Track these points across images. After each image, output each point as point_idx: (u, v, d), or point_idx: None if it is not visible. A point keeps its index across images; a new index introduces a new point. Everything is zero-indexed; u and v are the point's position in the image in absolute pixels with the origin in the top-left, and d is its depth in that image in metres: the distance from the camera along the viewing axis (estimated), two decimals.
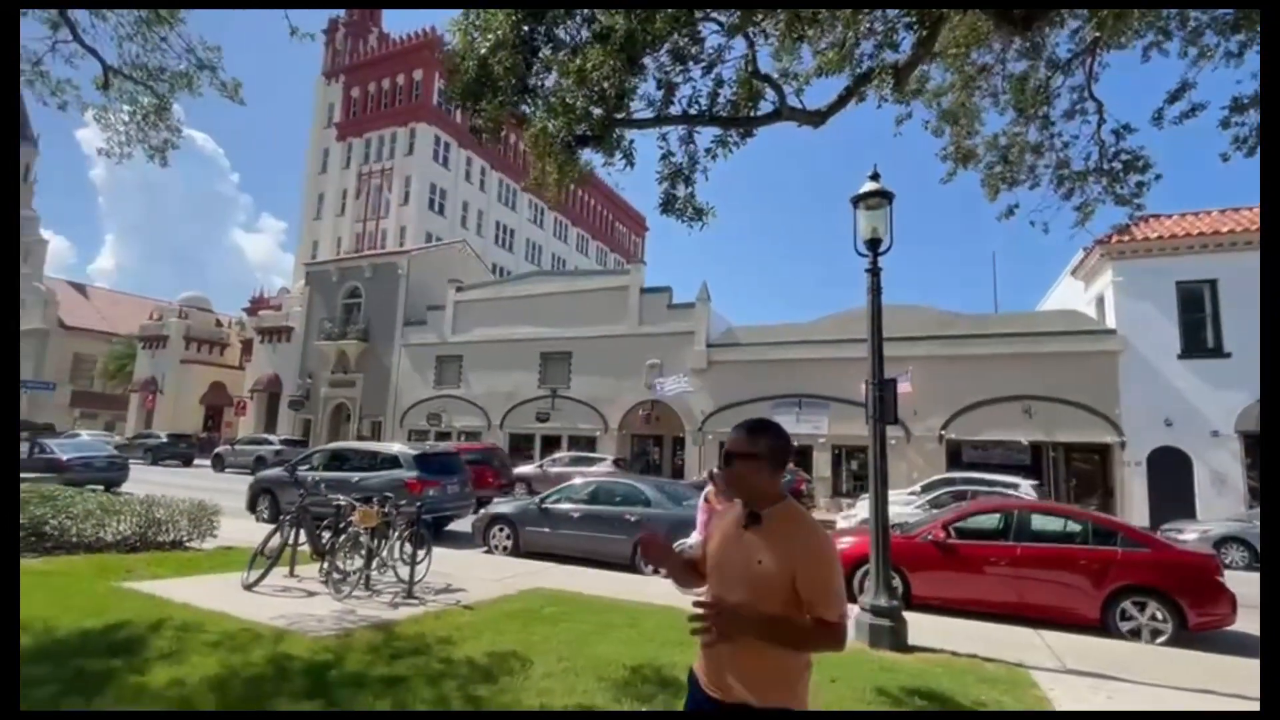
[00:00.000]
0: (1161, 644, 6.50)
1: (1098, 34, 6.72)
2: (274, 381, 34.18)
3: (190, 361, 39.35)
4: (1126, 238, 17.76)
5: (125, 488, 15.71)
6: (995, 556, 7.42)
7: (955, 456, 19.62)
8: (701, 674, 1.87)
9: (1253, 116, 6.34)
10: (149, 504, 9.01)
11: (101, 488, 13.46)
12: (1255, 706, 4.27)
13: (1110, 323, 18.49)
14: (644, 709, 3.94)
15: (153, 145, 8.31)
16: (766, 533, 1.82)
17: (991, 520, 7.97)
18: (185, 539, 9.03)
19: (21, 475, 11.44)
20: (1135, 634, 6.71)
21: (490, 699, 3.99)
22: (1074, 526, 7.57)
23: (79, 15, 7.09)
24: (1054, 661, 5.57)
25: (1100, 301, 19.42)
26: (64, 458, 16.05)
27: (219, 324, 42.84)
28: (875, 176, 6.39)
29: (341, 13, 49.23)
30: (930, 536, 7.79)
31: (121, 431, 37.69)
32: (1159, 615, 6.67)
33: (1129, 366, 17.85)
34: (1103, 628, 6.80)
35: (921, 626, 6.18)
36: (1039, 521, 7.79)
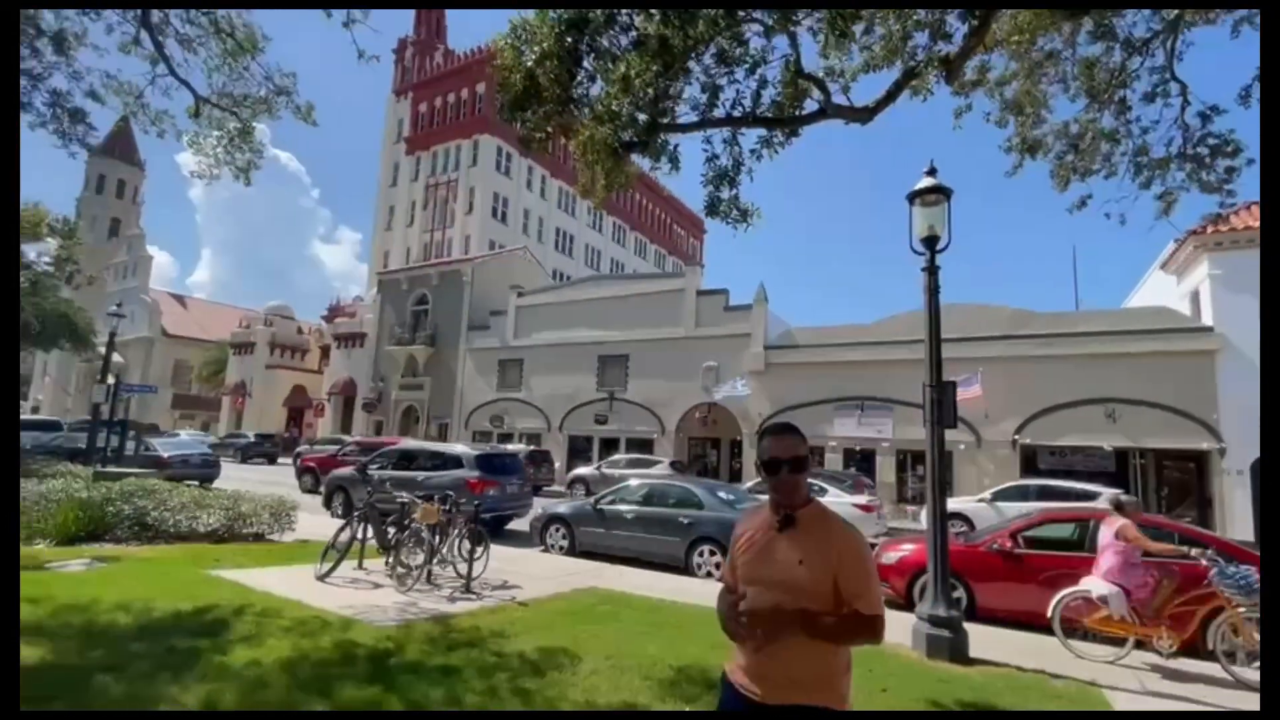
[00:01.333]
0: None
1: (1180, 10, 6.28)
2: (349, 385, 36.05)
3: (275, 366, 42.03)
4: (1224, 227, 16.33)
5: (217, 484, 16.95)
6: (1070, 568, 7.00)
7: (1030, 462, 18.60)
8: (739, 675, 1.88)
9: None
10: (235, 499, 9.71)
11: (197, 483, 14.59)
12: None
13: (1207, 319, 17.09)
14: (687, 709, 3.96)
15: (238, 166, 9.00)
16: (803, 534, 1.82)
17: (1065, 529, 7.54)
18: (266, 532, 9.68)
19: (128, 470, 12.55)
20: (1230, 657, 6.18)
21: (538, 692, 4.11)
22: (1159, 540, 7.04)
23: (173, 50, 7.77)
24: (1134, 682, 5.22)
25: (1195, 297, 17.99)
26: (165, 455, 17.49)
27: (300, 331, 45.56)
28: (932, 172, 6.19)
29: (410, 32, 51.57)
30: (997, 545, 7.44)
31: (215, 431, 40.65)
32: (1259, 637, 6.12)
33: (1228, 366, 16.43)
34: (1194, 650, 6.30)
35: (984, 639, 5.92)
36: None
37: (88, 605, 5.34)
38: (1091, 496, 13.30)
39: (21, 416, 30.64)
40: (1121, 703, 4.69)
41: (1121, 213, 7.27)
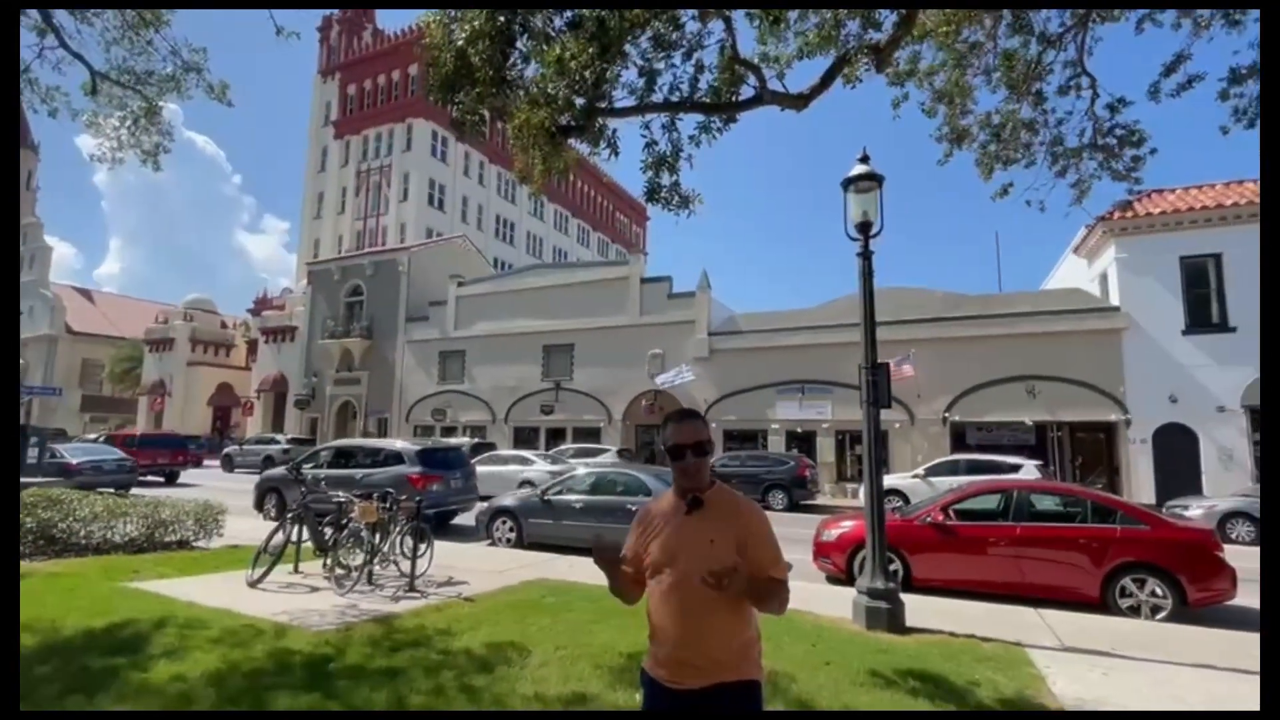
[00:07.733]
0: (1161, 620, 6.50)
1: (1086, 8, 6.62)
2: (280, 381, 34.39)
3: (197, 363, 39.63)
4: (1129, 214, 17.58)
5: (137, 490, 15.87)
6: (995, 537, 7.43)
7: (960, 439, 19.59)
8: (659, 670, 1.92)
9: (1251, 88, 6.24)
10: (155, 505, 9.10)
11: (112, 490, 13.61)
12: (1254, 680, 4.27)
13: (1114, 300, 18.35)
14: (638, 695, 3.97)
15: (145, 150, 8.34)
16: (711, 514, 1.92)
17: (991, 501, 7.97)
18: (192, 539, 9.13)
19: (32, 480, 11.58)
20: (1135, 611, 6.71)
21: (486, 688, 4.04)
22: (1074, 505, 7.56)
23: (64, 21, 7.10)
24: (1053, 640, 5.58)
25: (1104, 279, 19.26)
26: (74, 462, 16.23)
27: (224, 325, 43.07)
28: (865, 159, 6.35)
29: (335, 10, 49.06)
30: (929, 519, 7.80)
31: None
32: (1158, 591, 6.66)
33: (1133, 343, 17.72)
34: (1103, 605, 6.81)
35: (920, 608, 6.20)
36: (1039, 501, 7.80)
37: None
38: (1016, 469, 14.14)
39: None
40: (1041, 659, 5.00)
41: (1041, 200, 7.66)
